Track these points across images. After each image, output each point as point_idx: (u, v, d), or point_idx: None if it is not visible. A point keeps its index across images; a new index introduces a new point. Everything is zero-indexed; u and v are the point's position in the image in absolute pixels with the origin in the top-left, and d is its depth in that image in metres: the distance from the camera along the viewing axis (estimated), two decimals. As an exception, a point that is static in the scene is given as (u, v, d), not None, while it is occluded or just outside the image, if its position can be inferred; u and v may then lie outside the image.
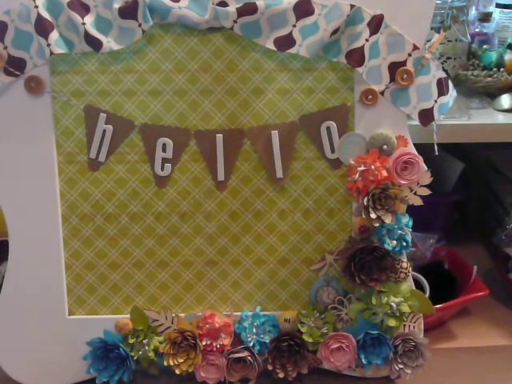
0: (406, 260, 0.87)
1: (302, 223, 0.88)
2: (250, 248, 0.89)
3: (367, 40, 0.80)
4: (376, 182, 0.83)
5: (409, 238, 0.86)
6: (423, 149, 0.86)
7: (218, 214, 0.88)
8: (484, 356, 0.97)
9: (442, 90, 0.84)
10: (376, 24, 0.80)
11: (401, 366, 0.88)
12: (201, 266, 0.89)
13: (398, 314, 0.86)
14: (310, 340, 0.87)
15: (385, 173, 0.83)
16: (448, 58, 1.07)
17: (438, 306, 0.95)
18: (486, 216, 1.29)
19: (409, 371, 0.88)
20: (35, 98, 0.83)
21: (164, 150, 0.85)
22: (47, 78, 0.83)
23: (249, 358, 0.87)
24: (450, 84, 0.87)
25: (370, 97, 0.83)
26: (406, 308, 0.86)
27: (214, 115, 0.85)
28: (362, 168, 0.83)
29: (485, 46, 1.14)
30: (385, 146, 0.84)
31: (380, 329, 0.87)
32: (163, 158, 0.85)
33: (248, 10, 0.79)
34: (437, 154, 0.86)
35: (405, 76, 0.82)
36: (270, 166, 0.86)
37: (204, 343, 0.87)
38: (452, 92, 0.87)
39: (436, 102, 0.84)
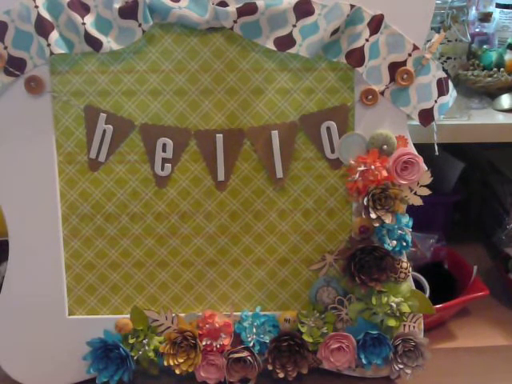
0: (406, 260, 0.87)
1: (302, 223, 0.88)
2: (249, 248, 0.89)
3: (367, 40, 0.80)
4: (376, 181, 0.83)
5: (409, 237, 0.86)
6: (423, 149, 0.86)
7: (218, 214, 0.88)
8: (484, 356, 0.97)
9: (441, 90, 0.84)
10: (376, 24, 0.80)
11: (401, 366, 0.88)
12: (201, 266, 0.89)
13: (397, 314, 0.86)
14: (310, 340, 0.87)
15: (385, 173, 0.83)
16: (448, 58, 1.07)
17: (438, 306, 0.95)
18: (486, 216, 1.29)
19: (409, 371, 0.88)
20: (35, 98, 0.84)
21: (164, 149, 0.85)
22: (47, 77, 0.83)
23: (249, 357, 0.87)
24: (450, 84, 0.87)
25: (370, 97, 0.83)
26: (406, 308, 0.86)
27: (214, 115, 0.85)
28: (362, 168, 0.83)
29: (485, 46, 1.14)
30: (385, 146, 0.84)
31: (380, 329, 0.87)
32: (163, 158, 0.85)
33: (248, 9, 0.79)
34: (437, 154, 0.86)
35: (405, 76, 0.82)
36: (270, 166, 0.86)
37: (204, 343, 0.87)
38: (452, 92, 0.87)
39: (436, 102, 0.84)
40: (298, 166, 0.86)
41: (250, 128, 0.85)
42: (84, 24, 0.79)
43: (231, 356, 0.87)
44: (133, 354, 0.87)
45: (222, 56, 0.83)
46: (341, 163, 0.86)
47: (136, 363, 0.88)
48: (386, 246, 0.84)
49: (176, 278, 0.89)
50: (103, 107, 0.84)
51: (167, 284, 0.89)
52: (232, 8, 0.79)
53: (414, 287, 0.88)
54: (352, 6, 0.79)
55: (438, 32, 1.01)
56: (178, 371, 0.87)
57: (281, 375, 0.88)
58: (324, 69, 0.84)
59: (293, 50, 0.81)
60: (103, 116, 0.84)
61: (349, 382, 0.91)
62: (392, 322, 0.86)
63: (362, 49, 0.81)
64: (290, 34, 0.81)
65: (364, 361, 0.88)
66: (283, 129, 0.85)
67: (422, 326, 0.89)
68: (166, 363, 0.87)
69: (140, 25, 0.80)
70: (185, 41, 0.83)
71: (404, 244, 0.85)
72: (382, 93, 0.83)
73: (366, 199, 0.83)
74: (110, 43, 0.81)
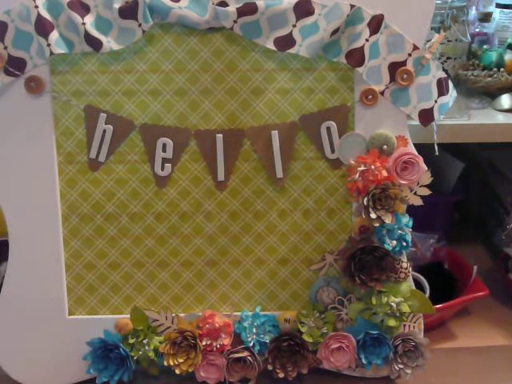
0: (406, 260, 0.87)
1: (302, 223, 0.88)
2: (250, 248, 0.89)
3: (367, 40, 0.80)
4: (376, 181, 0.83)
5: (409, 237, 0.86)
6: (423, 149, 0.86)
7: (218, 214, 0.88)
8: (484, 356, 0.97)
9: (441, 90, 0.84)
10: (376, 24, 0.80)
11: (401, 366, 0.88)
12: (201, 266, 0.89)
13: (398, 314, 0.86)
14: (310, 340, 0.87)
15: (385, 173, 0.83)
16: (448, 58, 1.07)
17: (438, 306, 0.95)
18: (486, 216, 1.29)
19: (409, 371, 0.88)
20: (35, 98, 0.84)
21: (164, 149, 0.85)
22: (47, 77, 0.83)
23: (249, 358, 0.87)
24: (450, 84, 0.87)
25: (370, 97, 0.83)
26: (405, 308, 0.86)
27: (214, 115, 0.85)
28: (362, 168, 0.83)
29: (485, 46, 1.14)
30: (385, 146, 0.84)
31: (380, 329, 0.87)
32: (163, 158, 0.85)
33: (248, 10, 0.79)
34: (437, 154, 0.86)
35: (405, 76, 0.82)
36: (270, 166, 0.86)
37: (204, 343, 0.87)
38: (452, 92, 0.87)
39: (436, 102, 0.84)
40: (297, 166, 0.86)
41: (250, 128, 0.85)
42: (84, 24, 0.79)
43: (231, 356, 0.87)
44: (133, 354, 0.87)
45: (222, 56, 0.83)
46: (341, 163, 0.86)
47: (136, 363, 0.88)
48: (386, 245, 0.84)
49: (176, 278, 0.89)
50: (103, 107, 0.84)
51: (167, 284, 0.89)
52: (232, 8, 0.79)
53: (414, 287, 0.88)
54: (352, 6, 0.79)
55: (438, 32, 1.01)
56: (178, 371, 0.87)
57: (281, 375, 0.88)
58: (324, 69, 0.84)
59: (293, 50, 0.81)
60: (103, 116, 0.84)
61: (349, 382, 0.91)
62: (392, 322, 0.86)
63: (361, 49, 0.81)
64: (290, 34, 0.81)
65: (364, 361, 0.88)
66: (283, 129, 0.85)
67: (422, 326, 0.89)
68: (166, 363, 0.87)
69: (140, 25, 0.80)
70: (185, 41, 0.83)
71: (404, 244, 0.85)
72: (382, 93, 0.83)
73: (365, 199, 0.83)
74: (110, 43, 0.81)
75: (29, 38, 0.81)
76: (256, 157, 0.86)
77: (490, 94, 1.07)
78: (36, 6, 0.79)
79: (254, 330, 0.88)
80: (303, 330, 0.87)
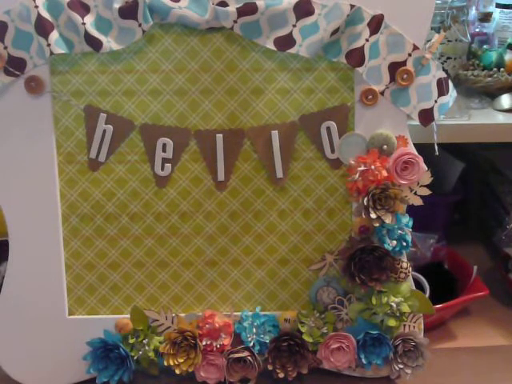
0: (406, 260, 0.87)
1: (302, 223, 0.88)
2: (250, 248, 0.89)
3: (367, 40, 0.80)
4: (376, 181, 0.83)
5: (409, 237, 0.86)
6: (423, 149, 0.86)
7: (218, 214, 0.88)
8: (484, 356, 0.97)
9: (442, 90, 0.84)
10: (376, 24, 0.80)
11: (401, 366, 0.88)
12: (201, 266, 0.89)
13: (398, 314, 0.86)
14: (310, 340, 0.87)
15: (385, 173, 0.83)
16: (448, 58, 1.07)
17: (438, 306, 0.95)
18: (486, 216, 1.29)
19: (409, 371, 0.88)
20: (35, 98, 0.84)
21: (164, 149, 0.85)
22: (47, 77, 0.83)
23: (249, 358, 0.87)
24: (450, 84, 0.87)
25: (370, 97, 0.83)
26: (406, 308, 0.86)
27: (214, 115, 0.85)
28: (362, 168, 0.83)
29: (485, 46, 1.14)
30: (385, 146, 0.84)
31: (380, 329, 0.87)
32: (163, 158, 0.85)
33: (248, 9, 0.79)
34: (437, 154, 0.86)
35: (405, 76, 0.82)
36: (270, 166, 0.86)
37: (204, 343, 0.87)
38: (452, 92, 0.87)
39: (436, 102, 0.84)
40: (298, 166, 0.86)
41: (250, 128, 0.85)
42: (84, 24, 0.79)
43: (231, 356, 0.87)
44: (133, 354, 0.87)
45: (221, 56, 0.83)
46: (341, 163, 0.86)
47: (136, 363, 0.88)
48: (386, 245, 0.84)
49: (176, 278, 0.89)
50: (103, 107, 0.84)
51: (167, 284, 0.89)
52: (232, 8, 0.79)
53: (414, 287, 0.88)
54: (352, 6, 0.79)
55: (438, 32, 1.01)
56: (178, 371, 0.87)
57: (281, 375, 0.88)
58: (324, 69, 0.84)
59: (293, 50, 0.81)
60: (103, 116, 0.84)
61: (349, 382, 0.91)
62: (392, 322, 0.86)
63: (361, 49, 0.81)
64: (290, 34, 0.81)
65: (364, 361, 0.88)
66: (283, 129, 0.85)
67: (422, 326, 0.89)
68: (166, 363, 0.87)
69: (140, 25, 0.80)
70: (185, 41, 0.83)
71: (404, 244, 0.85)
72: (382, 93, 0.83)
73: (365, 199, 0.83)
74: (109, 43, 0.81)
75: (29, 38, 0.81)
76: (256, 157, 0.86)
77: (490, 94, 1.07)
78: (36, 6, 0.79)
79: (254, 330, 0.88)
80: (303, 330, 0.87)
